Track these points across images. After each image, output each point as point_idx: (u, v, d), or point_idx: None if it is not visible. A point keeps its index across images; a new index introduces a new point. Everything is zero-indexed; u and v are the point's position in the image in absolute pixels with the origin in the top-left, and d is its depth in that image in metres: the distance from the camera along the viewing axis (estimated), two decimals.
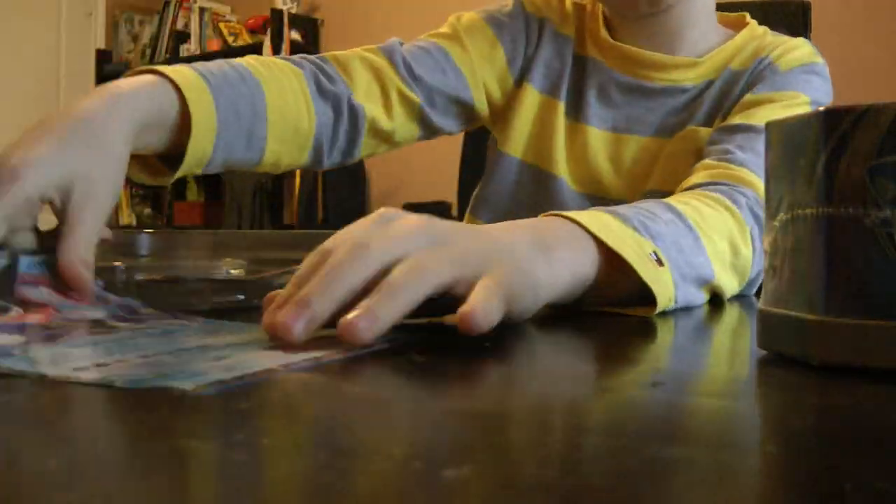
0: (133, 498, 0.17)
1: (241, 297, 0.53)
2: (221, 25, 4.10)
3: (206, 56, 4.07)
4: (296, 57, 0.79)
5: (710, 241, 0.60)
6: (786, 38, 0.87)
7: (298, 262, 0.44)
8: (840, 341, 0.32)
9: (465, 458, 0.21)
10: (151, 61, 4.29)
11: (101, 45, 4.38)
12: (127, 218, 3.81)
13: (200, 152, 0.65)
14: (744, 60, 0.85)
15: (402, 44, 0.85)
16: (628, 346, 0.44)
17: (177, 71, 0.63)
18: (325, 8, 3.95)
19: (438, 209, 3.25)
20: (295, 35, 3.80)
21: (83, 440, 0.23)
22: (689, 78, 0.87)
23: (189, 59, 4.23)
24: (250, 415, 0.25)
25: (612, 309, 0.53)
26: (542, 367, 0.36)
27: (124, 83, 0.59)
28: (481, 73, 0.88)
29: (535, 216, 0.46)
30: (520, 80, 0.90)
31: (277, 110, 0.72)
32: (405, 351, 0.36)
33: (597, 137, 0.88)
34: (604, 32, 0.88)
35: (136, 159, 0.63)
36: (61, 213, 0.50)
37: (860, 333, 0.32)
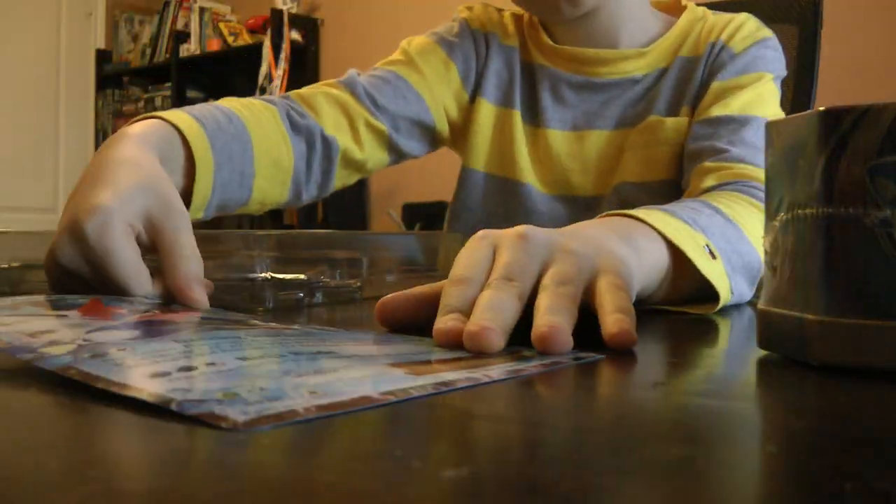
0: None
1: (301, 295, 0.55)
2: (221, 25, 4.10)
3: (207, 56, 4.08)
4: (265, 97, 0.82)
5: (750, 233, 0.61)
6: (728, 15, 0.87)
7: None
8: (840, 341, 0.32)
9: (464, 459, 0.21)
10: (151, 61, 4.29)
11: (101, 45, 4.38)
12: None
13: (203, 194, 0.67)
14: (693, 46, 0.86)
15: (359, 74, 0.88)
16: None
17: (174, 115, 0.65)
18: (325, 8, 3.95)
19: (438, 209, 3.24)
20: (295, 35, 3.80)
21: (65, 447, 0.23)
22: (637, 68, 0.87)
23: (189, 59, 4.24)
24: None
25: (674, 308, 0.54)
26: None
27: (135, 127, 0.60)
28: (439, 95, 0.90)
29: (510, 225, 0.47)
30: (473, 96, 0.92)
31: (262, 149, 0.75)
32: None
33: (558, 138, 0.89)
34: (545, 38, 0.90)
35: None
36: (154, 237, 0.49)
37: (860, 333, 0.32)
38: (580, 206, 0.88)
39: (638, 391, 0.31)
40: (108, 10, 4.38)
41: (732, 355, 0.42)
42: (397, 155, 0.90)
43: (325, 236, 0.70)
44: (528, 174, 0.90)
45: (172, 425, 0.23)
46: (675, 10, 0.91)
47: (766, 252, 0.37)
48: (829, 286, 0.32)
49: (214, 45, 4.08)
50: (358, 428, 0.24)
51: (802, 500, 0.18)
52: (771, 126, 0.37)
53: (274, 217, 3.70)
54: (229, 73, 4.07)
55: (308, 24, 3.88)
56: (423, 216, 3.25)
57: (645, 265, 0.50)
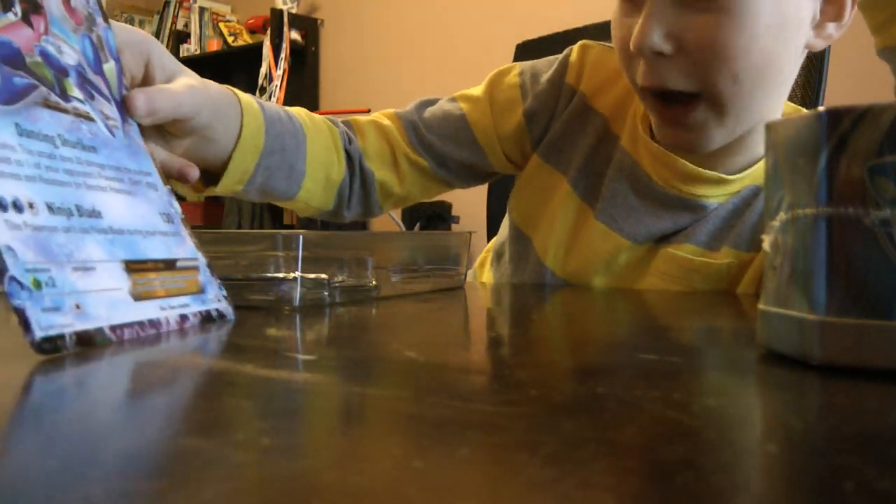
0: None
1: (326, 294, 0.57)
2: (221, 25, 4.10)
3: (207, 56, 4.07)
4: (325, 116, 0.86)
5: None
6: None
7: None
8: (840, 341, 0.32)
9: (462, 459, 0.21)
10: None
11: None
12: None
13: (242, 167, 0.70)
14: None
15: (429, 103, 0.88)
16: (626, 345, 0.44)
17: (240, 93, 0.70)
18: (325, 8, 3.94)
19: (438, 209, 3.25)
20: (295, 35, 3.80)
21: None
22: (713, 195, 0.76)
23: (189, 59, 4.25)
24: None
25: None
26: (539, 366, 0.36)
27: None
28: (506, 146, 0.87)
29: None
30: (535, 146, 0.87)
31: (315, 154, 0.79)
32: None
33: (597, 229, 0.80)
34: (644, 124, 0.79)
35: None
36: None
37: (860, 333, 0.32)
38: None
39: (637, 390, 0.31)
40: (108, 10, 4.37)
41: (732, 355, 0.42)
42: (448, 186, 0.90)
43: (347, 236, 0.72)
44: (551, 252, 0.83)
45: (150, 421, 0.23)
46: None
47: (766, 252, 0.37)
48: (829, 286, 0.32)
49: (214, 46, 4.08)
50: None
51: (802, 500, 0.18)
52: (771, 126, 0.37)
53: (273, 218, 3.70)
54: (229, 73, 4.07)
55: (308, 24, 3.89)
56: (423, 216, 3.25)
57: None
